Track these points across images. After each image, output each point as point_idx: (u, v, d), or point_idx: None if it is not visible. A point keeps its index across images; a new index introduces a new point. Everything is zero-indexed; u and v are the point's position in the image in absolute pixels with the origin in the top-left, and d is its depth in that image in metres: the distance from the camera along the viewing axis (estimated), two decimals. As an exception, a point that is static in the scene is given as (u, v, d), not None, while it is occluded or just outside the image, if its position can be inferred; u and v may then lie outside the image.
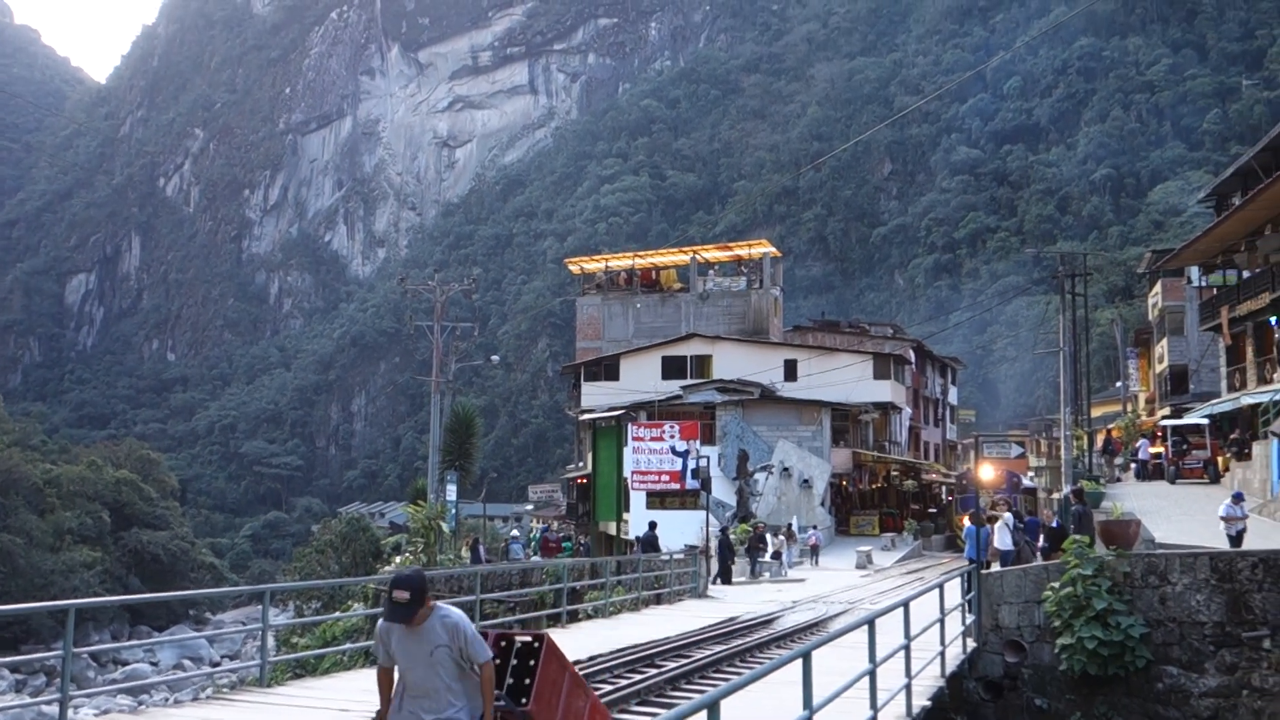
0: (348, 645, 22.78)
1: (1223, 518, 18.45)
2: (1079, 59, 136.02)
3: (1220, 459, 33.47)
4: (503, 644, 7.15)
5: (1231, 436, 32.66)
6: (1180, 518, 24.44)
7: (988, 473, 38.16)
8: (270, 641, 12.17)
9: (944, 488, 60.85)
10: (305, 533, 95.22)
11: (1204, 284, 41.29)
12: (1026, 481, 45.15)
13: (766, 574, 33.18)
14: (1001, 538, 22.67)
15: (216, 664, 60.88)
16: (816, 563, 38.49)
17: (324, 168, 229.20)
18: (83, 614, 64.08)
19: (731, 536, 33.67)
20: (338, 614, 29.72)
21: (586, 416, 53.14)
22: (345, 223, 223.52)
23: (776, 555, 34.14)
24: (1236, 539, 17.93)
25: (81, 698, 40.70)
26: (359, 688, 11.94)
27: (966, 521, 38.26)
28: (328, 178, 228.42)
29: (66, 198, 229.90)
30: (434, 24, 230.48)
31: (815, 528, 41.60)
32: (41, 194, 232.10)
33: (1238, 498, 19.16)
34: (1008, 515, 23.76)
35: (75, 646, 9.38)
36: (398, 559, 35.64)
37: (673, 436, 45.65)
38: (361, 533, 47.15)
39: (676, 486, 45.26)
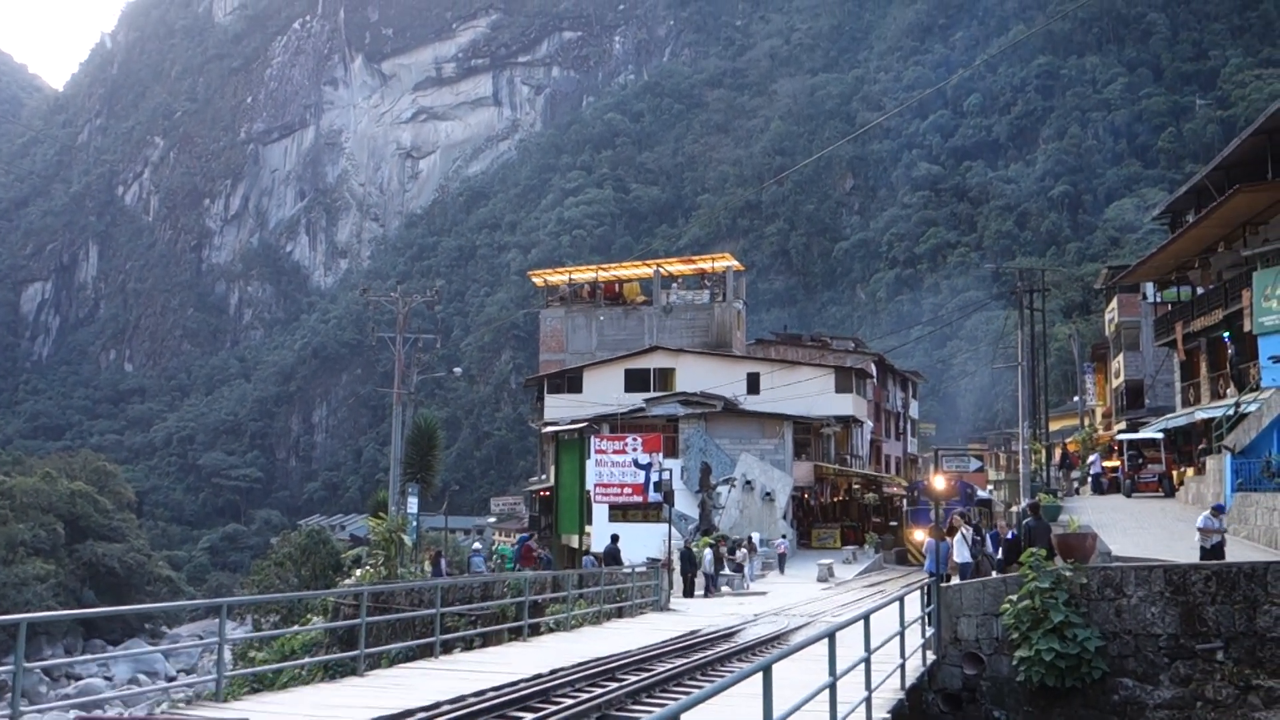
0: (306, 659, 22.57)
1: (1200, 529, 18.51)
2: (1037, 77, 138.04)
3: (1175, 473, 33.95)
4: None
5: (1200, 447, 33.10)
6: (1136, 531, 24.76)
7: (940, 483, 37.98)
8: (227, 656, 12.05)
9: (904, 500, 61.28)
10: (264, 545, 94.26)
11: (1159, 300, 41.93)
12: (982, 493, 45.28)
13: (727, 587, 33.21)
14: (960, 551, 22.86)
15: (172, 678, 60.07)
16: (783, 571, 38.66)
17: (286, 178, 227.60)
18: (35, 628, 62.94)
19: (694, 550, 33.66)
20: (296, 627, 29.45)
21: (549, 429, 53.04)
22: (307, 233, 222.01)
23: (739, 568, 34.17)
24: (1213, 551, 17.91)
25: (33, 713, 39.99)
26: (317, 702, 11.84)
27: (918, 535, 38.01)
28: (289, 188, 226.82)
29: (23, 206, 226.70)
30: (398, 35, 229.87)
31: (784, 538, 41.86)
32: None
33: (1218, 510, 19.03)
34: (965, 529, 23.94)
35: (27, 661, 9.23)
36: (358, 572, 35.37)
37: (635, 449, 45.62)
38: (321, 545, 46.87)
39: (639, 499, 45.22)
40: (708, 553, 32.81)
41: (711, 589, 31.90)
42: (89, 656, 58.81)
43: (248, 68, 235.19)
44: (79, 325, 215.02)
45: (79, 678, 62.07)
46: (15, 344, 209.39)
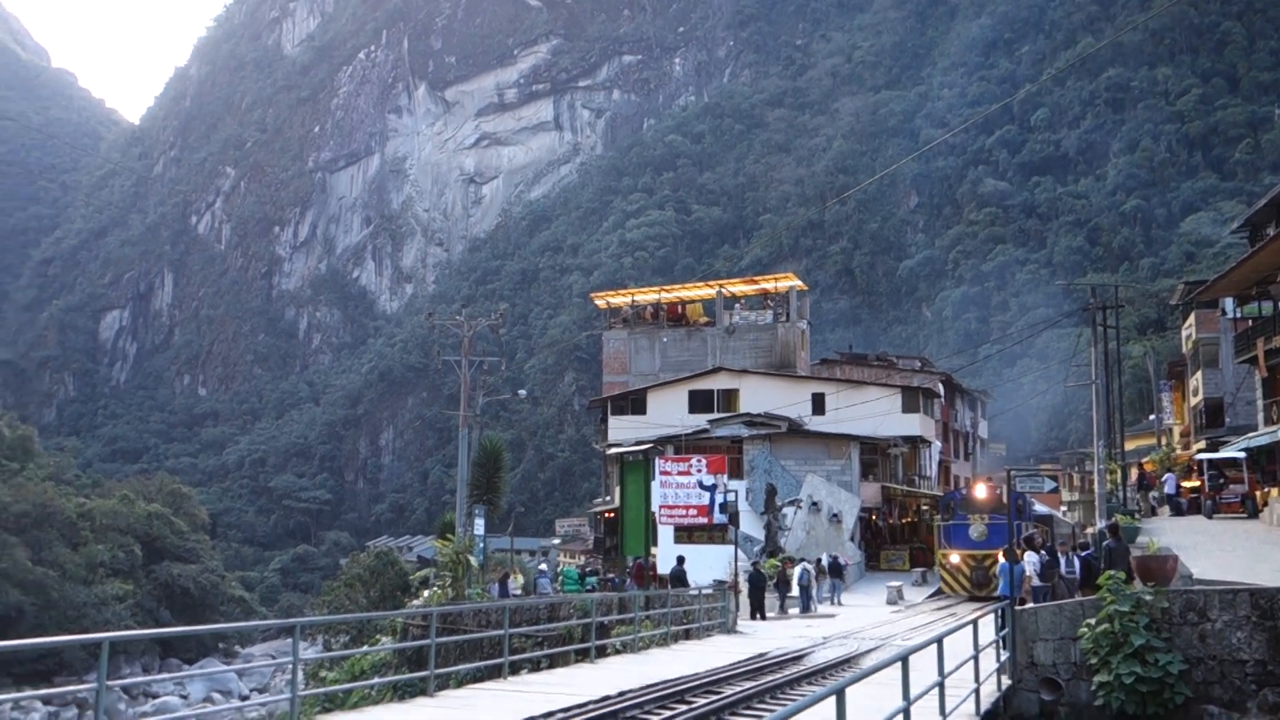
0: (376, 680, 22.76)
1: None
2: (1107, 90, 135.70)
3: (1258, 493, 32.94)
4: None
5: None
6: (1218, 553, 24.02)
7: (981, 493, 35.56)
8: (299, 676, 12.15)
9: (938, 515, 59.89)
10: (334, 566, 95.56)
11: (1239, 316, 40.81)
12: (1040, 508, 42.46)
13: (794, 609, 32.89)
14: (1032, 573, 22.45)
15: (245, 697, 60.95)
16: (843, 580, 38.14)
17: (352, 205, 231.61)
18: (114, 646, 64.34)
19: (764, 570, 33.39)
20: (366, 648, 29.69)
21: (614, 450, 53.06)
22: (373, 259, 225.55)
23: (804, 590, 33.73)
24: None
25: (111, 732, 40.78)
26: (388, 723, 11.90)
27: (954, 558, 35.72)
28: (356, 215, 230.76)
29: (101, 236, 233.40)
30: (460, 62, 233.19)
31: (834, 555, 41.25)
32: (77, 232, 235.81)
33: None
34: (1030, 555, 23.28)
35: (107, 679, 9.40)
36: (426, 593, 35.63)
37: (700, 471, 45.52)
38: (390, 566, 47.31)
39: (704, 521, 45.07)
40: (799, 569, 32.66)
41: (810, 605, 31.88)
42: (166, 675, 59.87)
43: (315, 98, 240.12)
44: (155, 351, 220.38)
45: (156, 696, 63.31)
46: (95, 370, 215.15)
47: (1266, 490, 32.60)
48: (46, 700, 57.17)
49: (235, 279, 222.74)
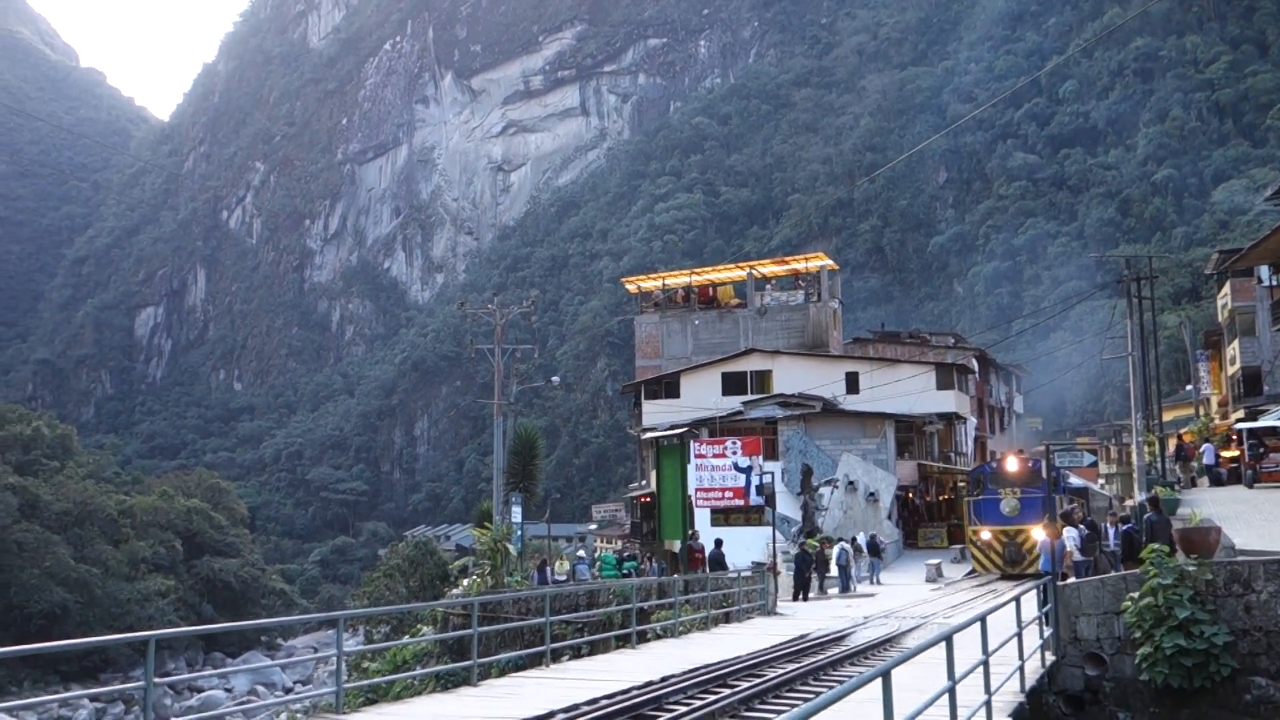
0: (419, 670, 22.97)
1: None
2: (1135, 60, 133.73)
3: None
4: None
5: None
6: (1261, 523, 23.75)
7: (1013, 465, 34.68)
8: (343, 667, 12.27)
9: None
10: (373, 557, 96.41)
11: (1274, 283, 40.21)
12: (1075, 480, 41.49)
13: (834, 590, 32.85)
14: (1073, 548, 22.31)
15: (289, 690, 61.63)
16: (880, 556, 37.89)
17: (381, 196, 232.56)
18: (160, 642, 65.21)
19: (809, 551, 33.37)
20: (408, 638, 29.94)
21: (648, 435, 53.10)
22: (404, 249, 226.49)
23: (843, 570, 33.65)
24: None
25: (160, 724, 41.35)
26: (435, 713, 12.00)
27: (985, 534, 35.00)
28: (385, 206, 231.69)
29: (134, 233, 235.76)
30: (485, 51, 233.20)
31: (872, 534, 41.01)
32: (110, 230, 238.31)
33: None
34: (1069, 530, 23.09)
35: (153, 676, 9.55)
36: (465, 581, 35.88)
37: (735, 453, 45.48)
38: (428, 556, 47.58)
39: (741, 503, 45.06)
40: (838, 549, 32.54)
41: (850, 585, 31.80)
42: (212, 671, 60.73)
43: (342, 90, 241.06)
44: (190, 347, 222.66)
45: (200, 690, 64.13)
46: (131, 367, 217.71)
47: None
48: (94, 697, 58.11)
49: (267, 273, 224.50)
